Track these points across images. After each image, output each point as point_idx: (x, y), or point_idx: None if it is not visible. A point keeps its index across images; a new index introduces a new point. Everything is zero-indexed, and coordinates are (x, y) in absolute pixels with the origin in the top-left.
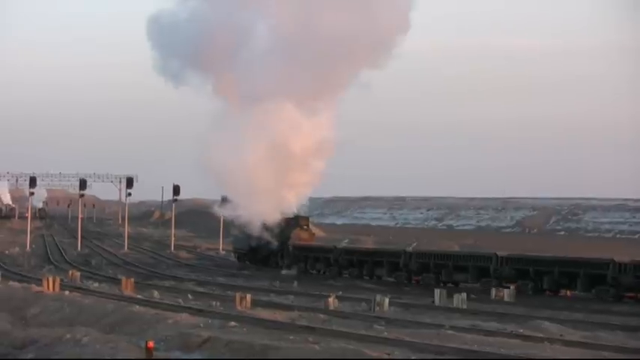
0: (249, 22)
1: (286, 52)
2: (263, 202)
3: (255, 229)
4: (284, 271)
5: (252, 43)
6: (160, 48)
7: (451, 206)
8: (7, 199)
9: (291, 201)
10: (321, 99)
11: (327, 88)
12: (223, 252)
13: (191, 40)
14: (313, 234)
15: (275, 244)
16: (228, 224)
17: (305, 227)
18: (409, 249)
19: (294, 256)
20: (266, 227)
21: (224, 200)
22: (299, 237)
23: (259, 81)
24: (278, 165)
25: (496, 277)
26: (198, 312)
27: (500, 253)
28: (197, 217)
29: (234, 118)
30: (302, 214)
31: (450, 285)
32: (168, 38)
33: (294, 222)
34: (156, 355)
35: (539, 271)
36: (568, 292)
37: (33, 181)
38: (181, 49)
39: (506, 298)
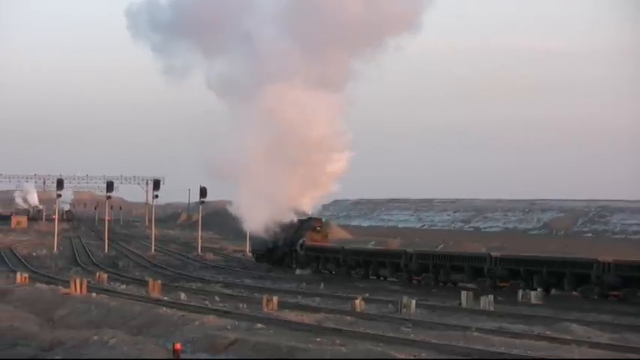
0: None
1: (291, 35)
2: (277, 203)
3: (271, 231)
4: (298, 272)
5: (254, 25)
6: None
7: (478, 208)
8: (35, 201)
9: (306, 202)
10: (330, 85)
11: (334, 73)
12: (250, 254)
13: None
14: (326, 235)
15: (289, 245)
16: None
17: (318, 229)
18: (410, 250)
19: (307, 257)
20: (281, 229)
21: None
22: (312, 238)
23: (266, 66)
24: (290, 156)
25: (490, 276)
26: (225, 314)
27: (493, 254)
28: (224, 219)
29: (240, 110)
30: (316, 215)
31: (449, 285)
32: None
33: (307, 223)
34: (183, 357)
35: (530, 270)
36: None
37: (60, 183)
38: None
39: (533, 300)
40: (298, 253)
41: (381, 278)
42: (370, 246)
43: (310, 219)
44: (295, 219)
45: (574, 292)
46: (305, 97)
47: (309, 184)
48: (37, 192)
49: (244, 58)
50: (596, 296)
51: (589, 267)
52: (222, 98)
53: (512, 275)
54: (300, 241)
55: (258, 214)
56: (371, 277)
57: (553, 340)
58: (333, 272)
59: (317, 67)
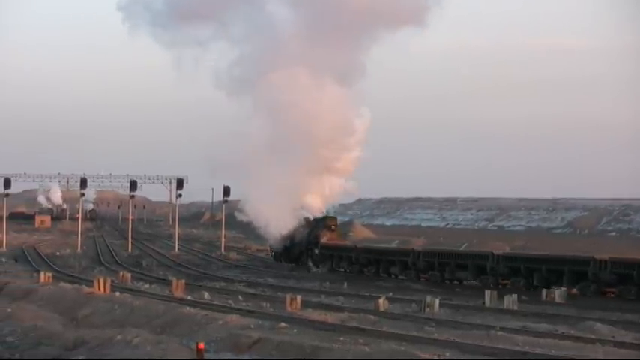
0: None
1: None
2: (292, 202)
3: (287, 230)
4: (314, 270)
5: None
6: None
7: (501, 207)
8: (58, 200)
9: (319, 201)
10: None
11: (347, 65)
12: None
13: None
14: (341, 234)
15: (305, 243)
16: None
17: (333, 227)
18: (418, 248)
19: (322, 255)
20: (297, 228)
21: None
22: (327, 237)
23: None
24: (302, 154)
25: (492, 274)
26: (249, 313)
27: (496, 252)
28: None
29: (249, 104)
30: (331, 214)
31: (455, 282)
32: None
33: (322, 222)
34: (206, 356)
35: (530, 268)
36: None
37: (84, 183)
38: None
39: (557, 299)
40: (314, 252)
41: (393, 276)
42: (394, 245)
43: (325, 218)
44: (311, 217)
45: (573, 290)
46: (317, 93)
47: (322, 182)
48: (62, 192)
49: (252, 48)
50: (592, 293)
51: (586, 264)
52: (231, 95)
53: (514, 273)
54: (316, 239)
55: (274, 213)
56: (382, 275)
57: (577, 339)
58: (347, 270)
59: (328, 60)
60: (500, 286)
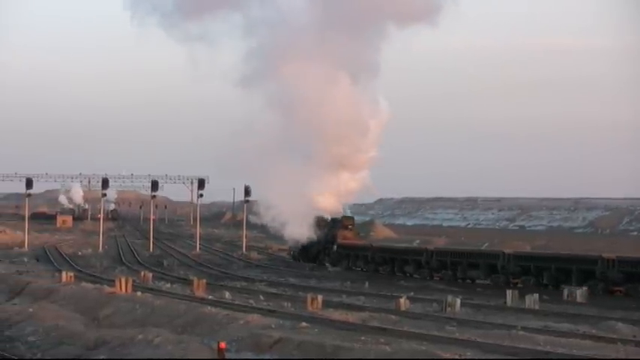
0: None
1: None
2: (309, 204)
3: (306, 230)
4: (330, 269)
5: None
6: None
7: (523, 206)
8: (79, 200)
9: (334, 201)
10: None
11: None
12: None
13: None
14: (357, 233)
15: (323, 243)
16: None
17: (350, 227)
18: (431, 248)
19: (339, 254)
20: (315, 227)
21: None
22: (343, 236)
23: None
24: (316, 153)
25: (503, 273)
26: (270, 313)
27: (507, 251)
28: None
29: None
30: (348, 214)
31: (467, 281)
32: None
33: (339, 222)
34: (227, 356)
35: (539, 267)
36: None
37: (105, 183)
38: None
39: (578, 299)
40: (331, 251)
41: (407, 274)
42: (415, 245)
43: (342, 217)
44: (329, 218)
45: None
46: (331, 90)
47: (338, 181)
48: (83, 192)
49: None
50: (601, 291)
51: (594, 263)
52: (245, 90)
53: (524, 272)
54: (333, 239)
55: (292, 214)
56: (397, 274)
57: (598, 339)
58: (363, 269)
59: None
60: (511, 285)
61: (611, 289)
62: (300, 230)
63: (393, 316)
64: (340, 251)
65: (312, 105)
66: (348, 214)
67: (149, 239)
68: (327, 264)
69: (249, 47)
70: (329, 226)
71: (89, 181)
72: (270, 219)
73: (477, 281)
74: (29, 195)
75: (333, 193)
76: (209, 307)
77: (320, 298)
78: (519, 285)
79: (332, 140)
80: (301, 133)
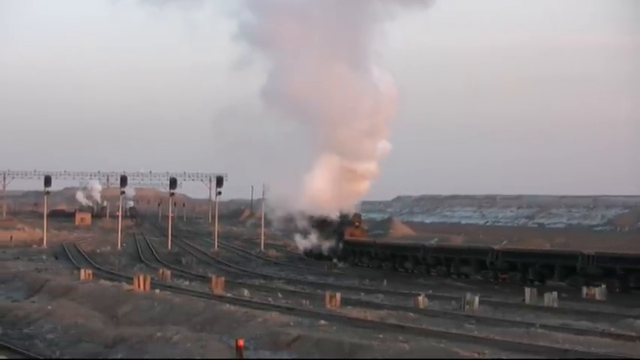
0: None
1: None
2: (318, 199)
3: (317, 227)
4: (340, 264)
5: None
6: None
7: (542, 204)
8: (98, 198)
9: (348, 199)
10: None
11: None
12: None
13: None
14: (364, 230)
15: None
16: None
17: (357, 224)
18: (430, 244)
19: (345, 251)
20: (326, 224)
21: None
22: (351, 233)
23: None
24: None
25: (492, 269)
26: (288, 311)
27: (496, 247)
28: None
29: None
30: (357, 211)
31: (462, 276)
32: None
33: (348, 219)
34: (246, 354)
35: (525, 263)
36: None
37: (124, 181)
38: None
39: (597, 297)
40: (338, 247)
41: (409, 271)
42: (433, 242)
43: (350, 215)
44: (337, 215)
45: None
46: (331, 77)
47: (346, 179)
48: (101, 189)
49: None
50: (582, 286)
51: (575, 259)
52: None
53: (512, 267)
54: (340, 236)
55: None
56: (400, 270)
57: (617, 336)
58: (368, 265)
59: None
60: (499, 280)
61: (591, 284)
62: (311, 227)
63: (412, 314)
64: (347, 248)
65: (313, 92)
66: (356, 212)
67: (167, 237)
68: (334, 260)
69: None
70: (337, 224)
71: (107, 179)
72: (280, 217)
73: (471, 277)
74: (48, 193)
75: (343, 191)
76: (227, 305)
77: (338, 295)
78: (508, 281)
79: (336, 127)
80: (305, 123)
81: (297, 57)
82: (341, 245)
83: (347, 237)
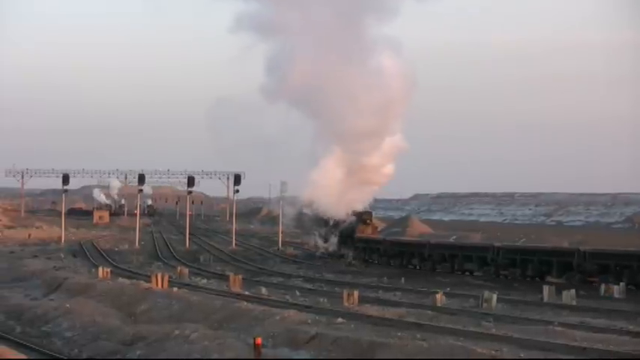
0: None
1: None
2: (335, 196)
3: (330, 224)
4: (350, 261)
5: None
6: None
7: (560, 202)
8: (116, 196)
9: (358, 196)
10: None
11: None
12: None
13: None
14: (375, 227)
15: (345, 236)
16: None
17: (368, 222)
18: (432, 241)
19: (356, 248)
20: (339, 222)
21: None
22: (361, 230)
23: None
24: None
25: (494, 265)
26: (306, 308)
27: (496, 244)
28: None
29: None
30: (368, 209)
31: (466, 273)
32: None
33: (360, 217)
34: (264, 351)
35: (525, 259)
36: None
37: (142, 179)
38: None
39: (615, 295)
40: (349, 245)
41: (417, 267)
42: (452, 240)
43: (363, 212)
44: (351, 212)
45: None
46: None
47: (358, 178)
48: (119, 187)
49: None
50: (577, 282)
51: (572, 256)
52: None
53: (512, 264)
54: (352, 233)
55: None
56: (409, 267)
57: (636, 334)
58: (377, 262)
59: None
60: (500, 277)
61: (587, 280)
62: (325, 224)
63: (430, 312)
64: (358, 245)
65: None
66: (368, 210)
67: (185, 235)
68: (346, 256)
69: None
70: (350, 220)
71: (125, 177)
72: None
73: (474, 273)
74: (66, 191)
75: (356, 188)
76: (245, 303)
77: (356, 293)
78: (509, 277)
79: (341, 123)
80: (311, 117)
81: (299, 47)
82: (354, 242)
83: (358, 234)
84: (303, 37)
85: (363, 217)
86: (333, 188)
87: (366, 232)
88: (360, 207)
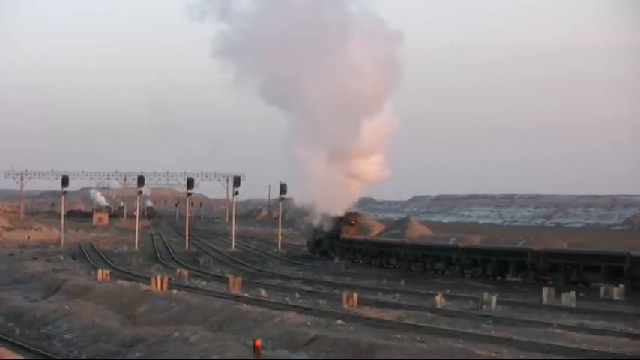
0: None
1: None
2: (326, 196)
3: (318, 225)
4: (336, 261)
5: None
6: None
7: (559, 204)
8: (116, 198)
9: (353, 193)
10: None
11: None
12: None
13: None
14: (360, 228)
15: (332, 237)
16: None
17: (353, 222)
18: (408, 242)
19: (342, 248)
20: (327, 222)
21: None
22: (347, 231)
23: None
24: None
25: (457, 264)
26: (305, 310)
27: (460, 245)
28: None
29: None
30: (354, 210)
31: (438, 271)
32: None
33: (346, 218)
34: (263, 353)
35: (485, 259)
36: None
37: (141, 181)
38: None
39: (615, 297)
40: (336, 244)
41: (396, 267)
42: (451, 242)
43: (350, 214)
44: (340, 213)
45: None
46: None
47: (339, 178)
48: (119, 189)
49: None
50: (531, 280)
51: (525, 255)
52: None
53: (473, 263)
54: (339, 233)
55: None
56: (388, 266)
57: (635, 336)
58: (361, 262)
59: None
60: (464, 275)
61: (539, 278)
62: (315, 224)
63: (429, 314)
64: (343, 245)
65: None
66: (354, 211)
67: (185, 237)
68: (333, 255)
69: None
70: (337, 221)
71: (125, 179)
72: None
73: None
74: (65, 193)
75: (345, 189)
76: (245, 305)
77: (355, 295)
78: (469, 276)
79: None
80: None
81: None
82: (338, 242)
83: (343, 235)
84: (273, 27)
85: (348, 218)
86: (318, 187)
87: (351, 233)
88: (346, 207)
